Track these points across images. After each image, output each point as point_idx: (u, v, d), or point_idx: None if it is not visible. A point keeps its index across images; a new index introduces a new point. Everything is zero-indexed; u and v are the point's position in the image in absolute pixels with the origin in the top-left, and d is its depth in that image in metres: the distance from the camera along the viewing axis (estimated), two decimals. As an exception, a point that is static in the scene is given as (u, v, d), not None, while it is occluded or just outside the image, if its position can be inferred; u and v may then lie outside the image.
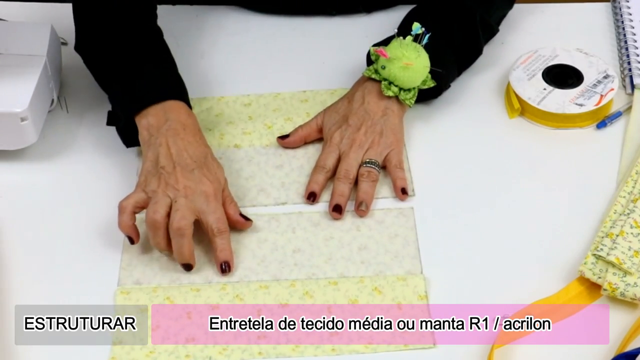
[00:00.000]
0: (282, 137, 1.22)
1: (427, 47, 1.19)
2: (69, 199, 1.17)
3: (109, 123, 1.19)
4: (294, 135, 1.22)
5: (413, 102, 1.20)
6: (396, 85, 1.19)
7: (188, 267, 1.08)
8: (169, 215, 1.07)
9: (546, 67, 1.28)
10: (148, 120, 1.14)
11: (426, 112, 1.27)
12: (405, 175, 1.17)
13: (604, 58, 1.31)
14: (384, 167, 1.18)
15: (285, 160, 1.21)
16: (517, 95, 1.25)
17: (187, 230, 1.06)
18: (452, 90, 1.28)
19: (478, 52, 1.29)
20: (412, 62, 1.17)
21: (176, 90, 1.18)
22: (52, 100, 1.24)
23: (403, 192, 1.16)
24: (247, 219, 1.11)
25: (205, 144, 1.15)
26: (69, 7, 1.33)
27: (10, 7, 1.41)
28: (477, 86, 1.30)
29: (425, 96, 1.24)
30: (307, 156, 1.21)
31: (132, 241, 1.09)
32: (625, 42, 1.34)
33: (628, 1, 1.40)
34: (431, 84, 1.21)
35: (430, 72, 1.20)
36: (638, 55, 1.32)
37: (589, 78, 1.26)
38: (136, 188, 1.10)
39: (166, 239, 1.07)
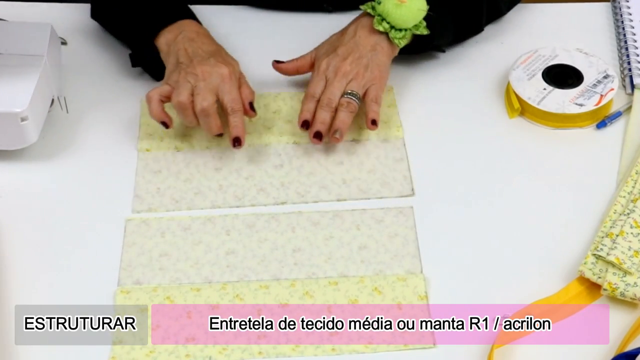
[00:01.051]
0: (278, 62, 1.26)
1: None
2: (69, 199, 1.17)
3: (133, 65, 1.28)
4: (289, 63, 1.26)
5: (403, 43, 1.22)
6: (388, 22, 1.20)
7: (219, 135, 1.19)
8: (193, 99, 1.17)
9: (546, 67, 1.28)
10: (166, 37, 1.24)
11: (426, 111, 1.27)
12: (379, 110, 1.19)
13: (604, 58, 1.31)
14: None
15: (285, 160, 1.21)
16: (517, 95, 1.25)
17: (210, 109, 1.16)
18: (452, 90, 1.28)
19: (478, 28, 1.32)
20: (405, 0, 1.18)
21: (186, 12, 1.28)
22: (52, 100, 1.24)
23: (373, 124, 1.18)
24: (253, 109, 1.19)
25: (218, 44, 1.25)
26: (69, 7, 1.33)
27: (10, 7, 1.41)
28: (477, 86, 1.30)
29: (419, 47, 1.26)
30: (307, 156, 1.21)
31: (166, 126, 1.19)
32: (625, 42, 1.34)
33: (628, 1, 1.40)
34: (424, 31, 1.23)
35: (426, 19, 1.21)
36: (638, 55, 1.32)
37: (589, 78, 1.26)
38: (161, 84, 1.20)
39: (195, 118, 1.17)
